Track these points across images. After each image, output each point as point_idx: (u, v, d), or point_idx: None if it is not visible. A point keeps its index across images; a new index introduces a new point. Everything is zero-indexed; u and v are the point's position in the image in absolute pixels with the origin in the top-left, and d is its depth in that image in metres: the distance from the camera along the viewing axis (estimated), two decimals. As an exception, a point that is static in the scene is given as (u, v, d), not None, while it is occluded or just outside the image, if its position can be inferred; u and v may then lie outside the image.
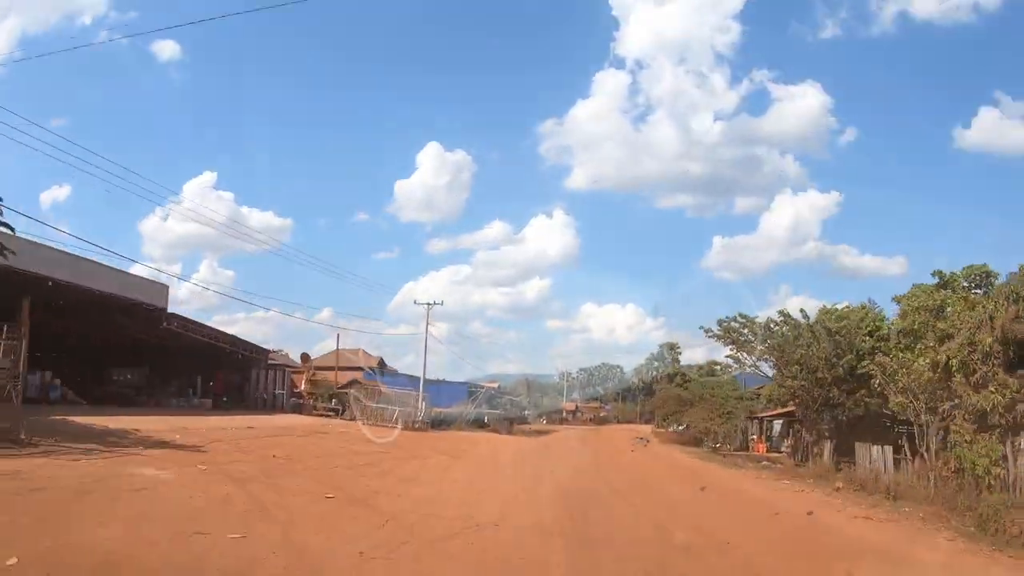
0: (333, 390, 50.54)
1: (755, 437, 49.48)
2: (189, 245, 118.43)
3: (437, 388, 79.12)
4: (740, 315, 39.15)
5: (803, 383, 34.95)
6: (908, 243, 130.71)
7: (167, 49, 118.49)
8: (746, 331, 38.27)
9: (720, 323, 39.38)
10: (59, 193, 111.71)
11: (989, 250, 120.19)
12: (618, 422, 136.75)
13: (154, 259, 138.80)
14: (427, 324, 65.80)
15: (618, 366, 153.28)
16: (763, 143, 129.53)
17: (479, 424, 65.29)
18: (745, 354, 39.45)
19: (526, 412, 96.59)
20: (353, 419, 45.60)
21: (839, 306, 37.72)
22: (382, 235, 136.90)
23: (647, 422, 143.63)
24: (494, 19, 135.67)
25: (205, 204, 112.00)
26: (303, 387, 49.40)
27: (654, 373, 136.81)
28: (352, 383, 63.59)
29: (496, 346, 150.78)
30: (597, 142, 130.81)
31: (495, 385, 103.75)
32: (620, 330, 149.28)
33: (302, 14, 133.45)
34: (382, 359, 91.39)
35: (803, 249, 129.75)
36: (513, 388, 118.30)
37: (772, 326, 37.35)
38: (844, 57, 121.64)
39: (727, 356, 39.36)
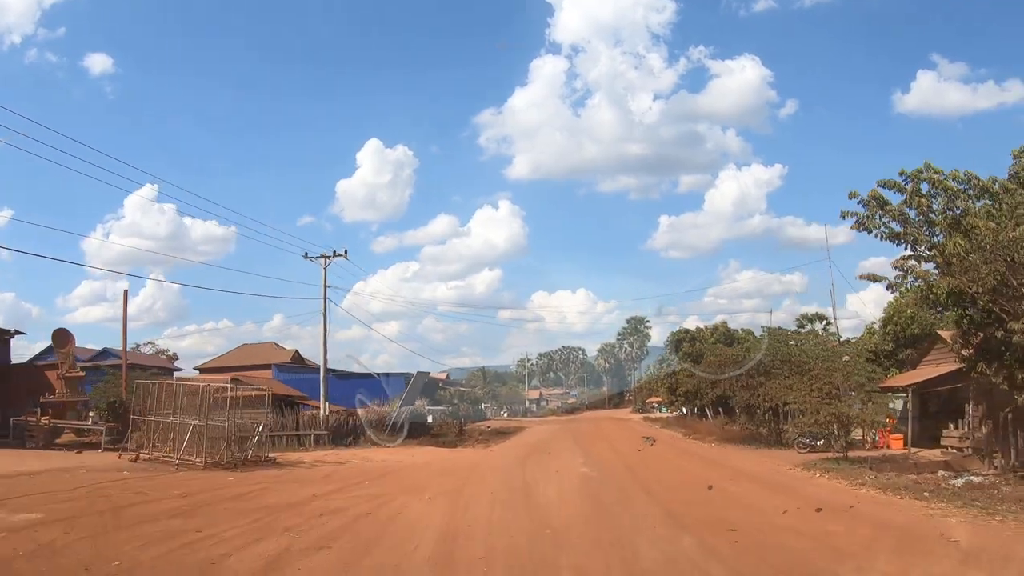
0: (119, 395, 26.66)
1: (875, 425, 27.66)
2: (135, 260, 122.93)
3: (357, 383, 55.39)
4: (928, 164, 17.18)
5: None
6: (854, 210, 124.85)
7: (99, 63, 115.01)
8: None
9: (878, 191, 17.44)
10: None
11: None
12: (587, 409, 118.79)
13: (98, 276, 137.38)
14: (324, 285, 43.17)
15: (580, 348, 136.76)
16: (704, 120, 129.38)
17: (418, 429, 43.17)
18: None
19: (483, 406, 75.57)
20: (138, 448, 22.11)
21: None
22: (327, 237, 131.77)
23: (616, 407, 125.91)
24: (426, 11, 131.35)
25: (147, 217, 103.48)
26: (59, 392, 25.55)
27: (627, 349, 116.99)
28: (233, 380, 40.71)
29: (450, 341, 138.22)
30: (537, 129, 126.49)
31: (443, 375, 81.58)
32: (573, 316, 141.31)
33: (233, 17, 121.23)
34: (297, 352, 68.95)
35: (750, 223, 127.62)
36: (468, 380, 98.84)
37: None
38: (779, 28, 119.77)
39: (900, 260, 17.25)
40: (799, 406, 21.77)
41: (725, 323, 50.80)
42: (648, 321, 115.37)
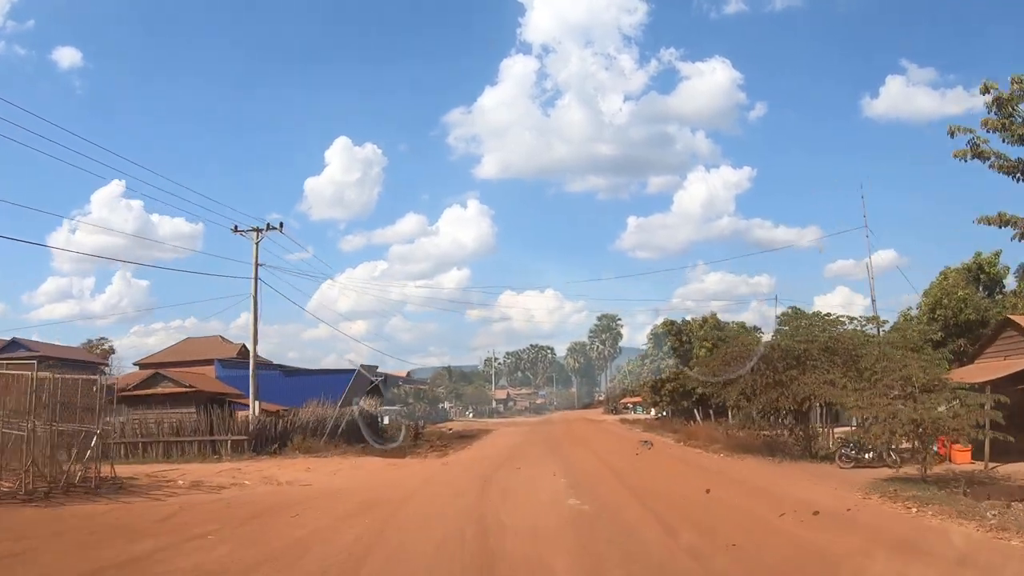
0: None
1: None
2: (101, 257, 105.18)
3: (307, 380, 48.37)
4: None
5: None
6: (821, 212, 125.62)
7: (68, 56, 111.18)
8: None
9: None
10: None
11: (898, 215, 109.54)
12: (556, 410, 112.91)
13: (65, 273, 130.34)
14: (255, 263, 36.50)
15: (548, 347, 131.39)
16: (674, 121, 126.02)
17: (367, 433, 36.69)
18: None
19: (445, 405, 68.86)
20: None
21: None
22: (295, 234, 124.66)
23: (586, 407, 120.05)
24: (396, 9, 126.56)
25: (114, 214, 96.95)
26: None
27: (599, 347, 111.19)
28: (153, 376, 34.54)
29: (418, 340, 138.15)
30: (506, 129, 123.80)
31: (403, 373, 74.67)
32: (541, 315, 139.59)
33: (203, 13, 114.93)
34: (244, 346, 61.54)
35: (718, 225, 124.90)
36: (433, 379, 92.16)
37: None
38: (750, 31, 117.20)
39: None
40: (864, 411, 15.72)
41: (715, 314, 45.07)
42: (620, 319, 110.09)
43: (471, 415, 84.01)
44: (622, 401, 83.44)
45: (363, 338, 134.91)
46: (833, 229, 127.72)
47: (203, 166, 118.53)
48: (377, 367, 35.11)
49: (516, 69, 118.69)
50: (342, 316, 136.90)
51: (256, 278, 35.51)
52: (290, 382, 45.25)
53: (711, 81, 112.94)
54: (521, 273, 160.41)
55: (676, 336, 44.77)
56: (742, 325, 45.18)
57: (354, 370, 55.71)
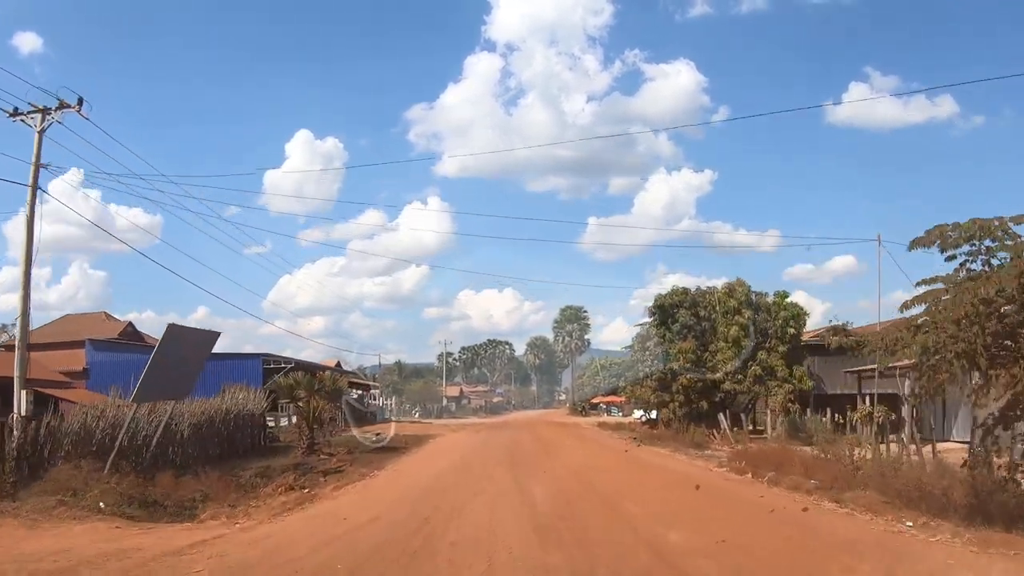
0: None
1: None
2: (57, 248, 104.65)
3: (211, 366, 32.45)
4: None
5: None
6: (781, 217, 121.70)
7: (28, 42, 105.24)
8: None
9: None
10: None
11: (856, 221, 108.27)
12: (515, 409, 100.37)
13: (18, 262, 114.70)
14: (36, 162, 21.58)
15: (507, 342, 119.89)
16: (637, 123, 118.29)
17: (235, 445, 22.65)
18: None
19: (376, 402, 54.25)
20: None
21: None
22: (254, 229, 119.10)
23: (546, 406, 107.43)
24: (360, 3, 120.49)
25: (70, 203, 76.54)
26: None
27: (565, 340, 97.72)
28: None
29: (376, 337, 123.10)
30: (468, 127, 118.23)
31: (331, 362, 59.74)
32: (499, 315, 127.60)
33: (165, 7, 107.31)
34: (131, 325, 46.69)
35: (678, 227, 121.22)
36: (382, 376, 77.75)
37: None
38: (715, 35, 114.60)
39: None
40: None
41: (741, 281, 31.51)
42: (586, 311, 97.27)
43: (417, 414, 69.56)
44: (593, 400, 70.26)
45: (321, 334, 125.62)
46: (793, 228, 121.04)
47: (161, 155, 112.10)
48: (220, 333, 20.27)
49: (480, 67, 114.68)
50: (296, 312, 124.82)
51: (35, 186, 20.54)
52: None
53: (675, 83, 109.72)
54: (480, 271, 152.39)
55: (690, 309, 31.05)
56: (783, 295, 31.84)
57: (257, 355, 40.48)
